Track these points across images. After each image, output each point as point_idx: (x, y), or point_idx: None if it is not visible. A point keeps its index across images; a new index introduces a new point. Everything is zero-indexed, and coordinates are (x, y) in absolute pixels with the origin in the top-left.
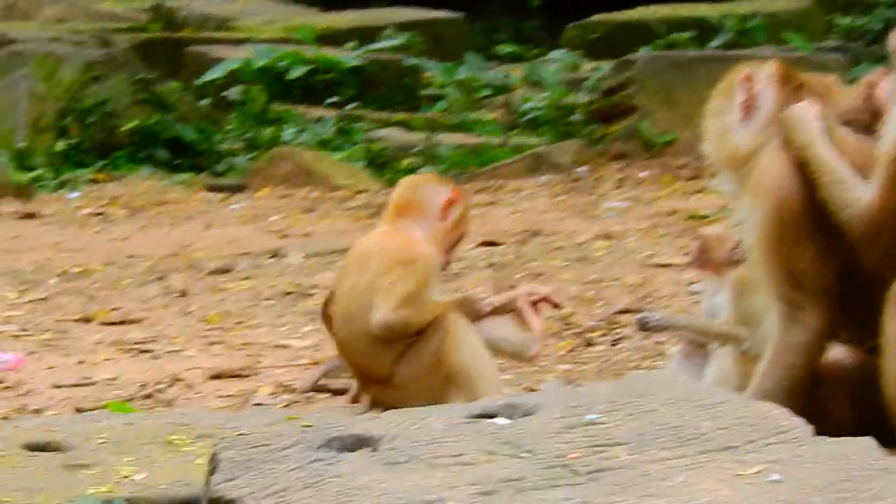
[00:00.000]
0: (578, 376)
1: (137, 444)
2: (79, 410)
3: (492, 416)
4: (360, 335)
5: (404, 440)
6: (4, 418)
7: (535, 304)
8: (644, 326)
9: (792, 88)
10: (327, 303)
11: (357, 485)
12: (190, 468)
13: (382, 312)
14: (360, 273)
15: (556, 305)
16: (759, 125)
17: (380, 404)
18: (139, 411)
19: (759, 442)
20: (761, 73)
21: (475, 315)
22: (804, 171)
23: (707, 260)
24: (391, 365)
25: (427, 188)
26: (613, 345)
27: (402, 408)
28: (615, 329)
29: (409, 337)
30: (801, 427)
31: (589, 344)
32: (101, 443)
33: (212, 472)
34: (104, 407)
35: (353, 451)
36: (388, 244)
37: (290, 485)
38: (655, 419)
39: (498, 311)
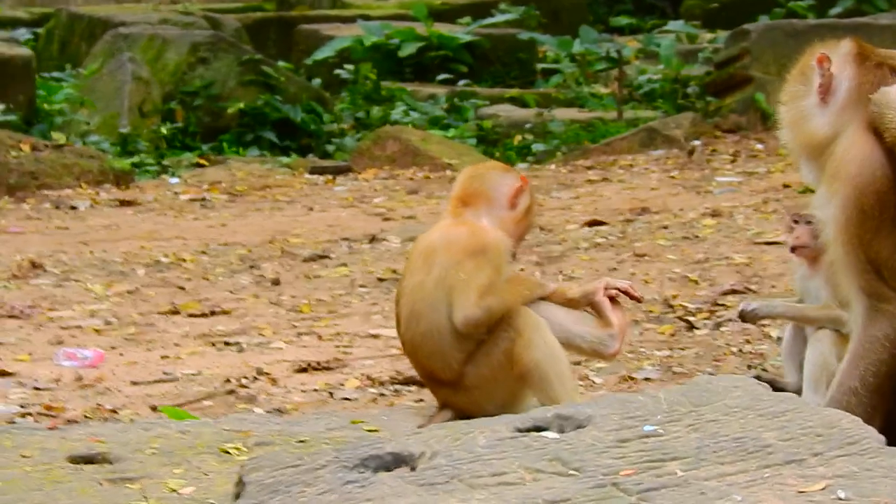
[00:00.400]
0: (677, 362)
1: (190, 455)
2: (155, 409)
3: (542, 429)
4: (428, 336)
5: (445, 458)
6: (73, 422)
7: (613, 298)
8: (743, 318)
9: (871, 66)
10: (397, 303)
11: None
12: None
13: (466, 308)
14: (425, 269)
15: (635, 299)
16: (837, 108)
17: (451, 407)
18: (196, 418)
19: (827, 454)
20: (837, 53)
21: (542, 294)
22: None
23: (802, 243)
24: (460, 366)
25: (494, 177)
26: (716, 328)
27: (473, 410)
28: (719, 311)
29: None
30: (872, 437)
31: (691, 327)
32: (152, 453)
33: (237, 496)
34: (162, 412)
35: (390, 471)
36: (455, 236)
37: None
38: (716, 430)
39: (575, 304)
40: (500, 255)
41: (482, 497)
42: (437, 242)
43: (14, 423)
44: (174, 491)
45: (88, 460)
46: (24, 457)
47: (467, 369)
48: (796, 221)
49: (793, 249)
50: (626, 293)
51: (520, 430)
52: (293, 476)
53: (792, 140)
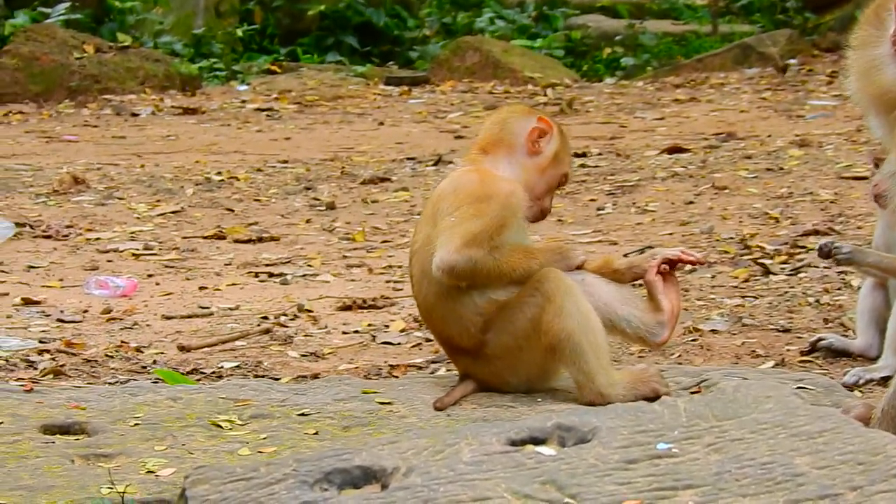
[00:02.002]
0: (748, 312)
1: (177, 428)
2: (183, 349)
3: (539, 442)
4: (440, 297)
5: (421, 475)
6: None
7: (668, 274)
8: (826, 254)
9: None
10: (409, 261)
11: None
12: (229, 461)
13: (444, 252)
14: (432, 222)
15: (694, 263)
16: None
17: (472, 377)
18: (191, 382)
19: (867, 489)
20: None
21: (566, 269)
22: None
23: (884, 192)
24: (479, 333)
25: (513, 120)
26: (794, 274)
27: (495, 383)
28: (798, 255)
29: (481, 287)
30: None
31: (767, 272)
32: (135, 424)
33: None
34: (155, 373)
35: (357, 488)
36: (462, 182)
37: None
38: (741, 452)
39: (621, 277)
40: (505, 207)
41: None
42: (445, 190)
43: None
44: (151, 472)
45: (64, 430)
46: None
47: (488, 337)
48: (877, 166)
49: (875, 198)
50: (681, 261)
51: (513, 443)
52: (244, 492)
53: (860, 91)
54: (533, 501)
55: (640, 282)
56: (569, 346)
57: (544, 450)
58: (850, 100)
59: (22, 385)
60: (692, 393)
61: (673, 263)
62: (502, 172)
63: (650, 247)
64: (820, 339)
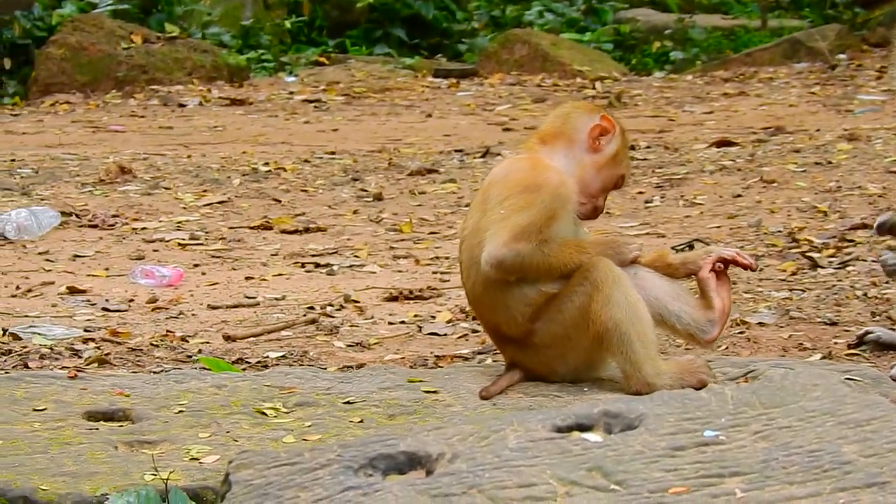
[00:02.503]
0: (796, 305)
1: (221, 415)
2: (228, 338)
3: (585, 429)
4: (489, 285)
5: (466, 461)
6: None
7: (721, 273)
8: (888, 229)
9: None
10: (460, 248)
11: None
12: (274, 448)
13: (493, 245)
14: (482, 209)
15: (747, 267)
16: None
17: (519, 367)
18: (236, 370)
19: None
20: None
21: (620, 264)
22: None
23: None
24: (527, 322)
25: (577, 115)
26: (841, 267)
27: (543, 372)
28: (846, 248)
29: (531, 282)
30: None
31: (815, 266)
32: (179, 411)
33: (222, 497)
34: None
35: (402, 473)
36: (514, 169)
37: None
38: (788, 440)
39: (674, 272)
40: (555, 198)
41: None
42: (496, 176)
43: (30, 369)
44: (195, 459)
45: (108, 417)
46: (36, 411)
47: (537, 326)
48: None
49: None
50: (735, 263)
51: (559, 430)
52: (287, 477)
53: None
54: (579, 488)
55: (691, 278)
56: (616, 335)
57: (590, 436)
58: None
59: (66, 372)
60: (739, 383)
61: (727, 263)
62: (557, 164)
63: (698, 240)
64: (867, 333)
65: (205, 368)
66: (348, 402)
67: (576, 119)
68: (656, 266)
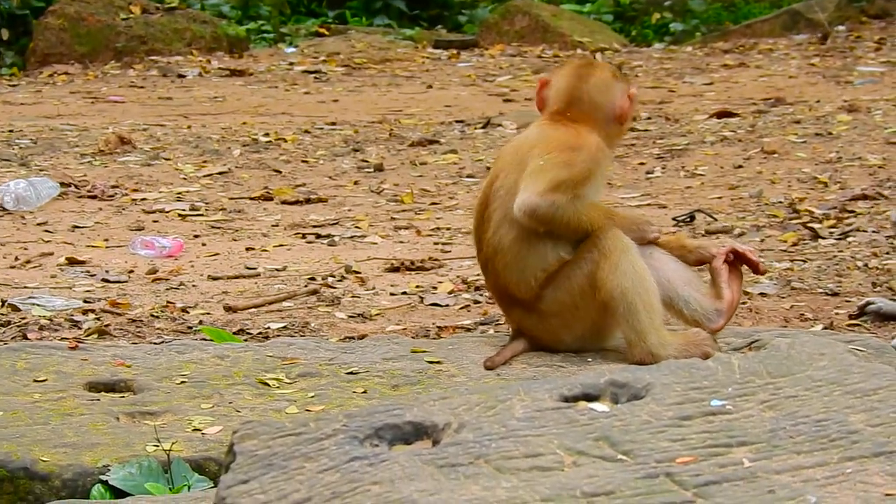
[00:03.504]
0: (797, 276)
1: (224, 386)
2: (229, 309)
3: (592, 398)
4: (515, 242)
5: (473, 431)
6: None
7: (734, 264)
8: None
9: None
10: (485, 206)
11: (396, 498)
12: (277, 419)
13: (528, 192)
14: (519, 168)
15: (757, 271)
16: None
17: (525, 334)
18: (238, 340)
19: None
20: None
21: (638, 241)
22: None
23: None
24: (538, 286)
25: (610, 85)
26: (842, 238)
27: (548, 340)
28: (847, 219)
29: (557, 237)
30: None
31: (816, 236)
32: (181, 382)
33: (227, 467)
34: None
35: (408, 443)
36: (553, 133)
37: (315, 494)
38: (795, 409)
39: (687, 254)
40: (594, 160)
41: (509, 486)
42: (533, 139)
43: (30, 340)
44: (198, 430)
45: (109, 388)
46: (36, 381)
47: (546, 292)
48: None
49: None
50: (746, 259)
51: (566, 400)
52: (293, 447)
53: None
54: (586, 458)
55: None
56: (622, 303)
57: (597, 406)
58: None
59: (66, 343)
60: (744, 353)
61: (739, 257)
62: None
63: (700, 210)
64: (868, 303)
65: (206, 339)
66: (351, 373)
67: (609, 89)
68: (671, 247)
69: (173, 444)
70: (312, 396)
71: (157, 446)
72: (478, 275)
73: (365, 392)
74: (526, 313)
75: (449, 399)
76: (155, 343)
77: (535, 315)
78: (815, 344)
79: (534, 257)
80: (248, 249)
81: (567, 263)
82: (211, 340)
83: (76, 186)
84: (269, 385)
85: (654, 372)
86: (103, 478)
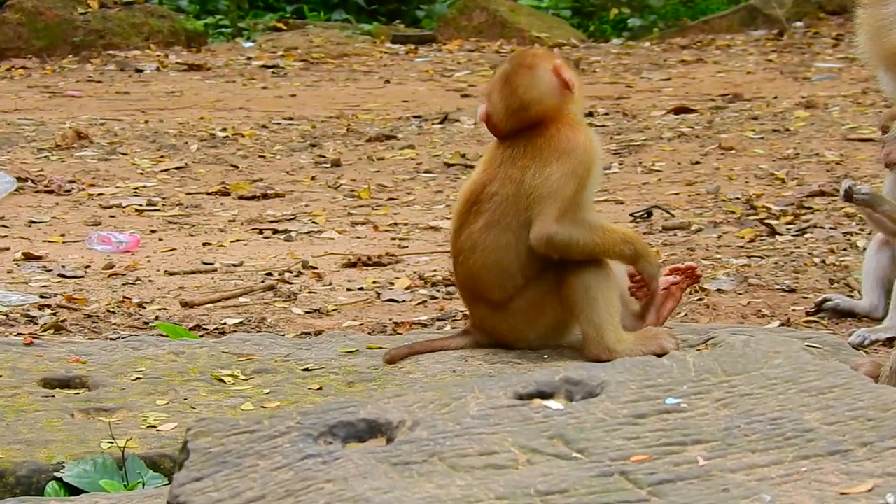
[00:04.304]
0: (754, 272)
1: (179, 382)
2: (186, 305)
3: (546, 396)
4: (497, 246)
5: (427, 429)
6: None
7: (675, 288)
8: (849, 197)
9: None
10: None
11: (350, 496)
12: (232, 416)
13: (544, 223)
14: (511, 181)
15: (695, 278)
16: None
17: (484, 331)
18: (194, 336)
19: (877, 445)
20: None
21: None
22: None
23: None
24: (513, 288)
25: (535, 77)
26: (799, 234)
27: (511, 338)
28: (804, 215)
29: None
30: None
31: (773, 233)
32: (137, 378)
33: (180, 465)
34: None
35: (362, 441)
36: (539, 141)
37: (269, 492)
38: (750, 407)
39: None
40: (588, 151)
41: (463, 484)
42: (525, 154)
43: None
44: (152, 427)
45: (64, 384)
46: None
47: (517, 292)
48: (885, 132)
49: (886, 164)
50: (689, 274)
51: (521, 397)
52: (246, 445)
53: (870, 50)
54: (540, 456)
55: None
56: (585, 298)
57: (552, 404)
58: (859, 59)
59: (22, 338)
60: (699, 350)
61: (685, 273)
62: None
63: (657, 206)
64: (825, 300)
65: (162, 335)
66: (307, 369)
67: (537, 81)
68: None
69: (128, 440)
70: (268, 393)
71: (112, 443)
72: (435, 270)
73: (320, 389)
74: (491, 311)
75: (403, 396)
76: (110, 339)
77: (500, 313)
78: (771, 342)
79: (516, 265)
80: (204, 244)
81: (540, 271)
82: (166, 336)
83: (33, 181)
84: (224, 381)
85: (608, 369)
86: (58, 475)
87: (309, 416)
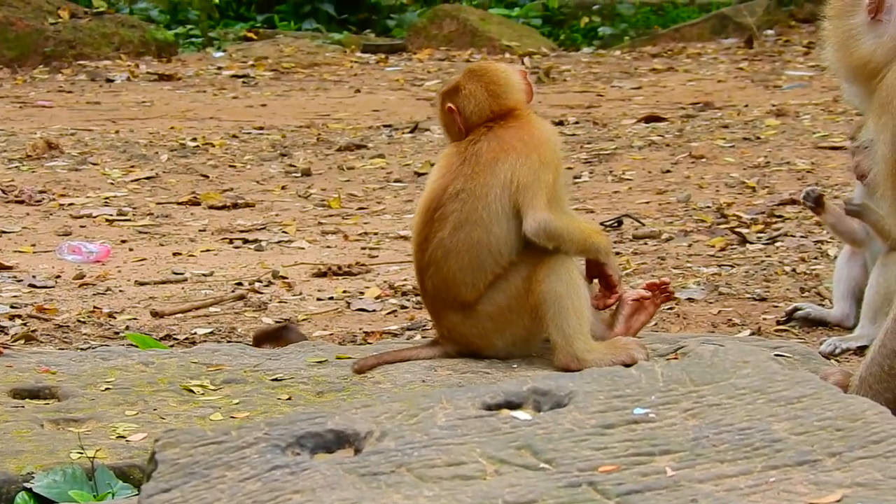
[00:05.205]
0: (725, 281)
1: (148, 392)
2: (156, 315)
3: (514, 406)
4: (475, 245)
5: (395, 440)
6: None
7: (647, 301)
8: (814, 200)
9: None
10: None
11: None
12: (201, 426)
13: (536, 211)
14: (485, 171)
15: (669, 296)
16: (891, 30)
17: (453, 340)
18: (164, 347)
19: (846, 455)
20: None
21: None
22: None
23: (865, 173)
24: (484, 287)
25: (508, 72)
26: (770, 243)
27: (480, 345)
28: (775, 224)
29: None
30: None
31: (744, 241)
32: (106, 389)
33: (148, 476)
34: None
35: (330, 451)
36: (505, 134)
37: (236, 502)
38: (718, 417)
39: (601, 271)
40: (555, 143)
41: (431, 494)
42: (490, 145)
43: None
44: (122, 437)
45: (33, 395)
46: None
47: (488, 292)
48: (855, 142)
49: (857, 176)
50: (661, 289)
51: (488, 408)
52: (214, 456)
53: (837, 61)
54: (508, 466)
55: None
56: (554, 306)
57: (520, 414)
58: (827, 70)
59: None
60: (669, 359)
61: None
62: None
63: (627, 215)
64: (796, 309)
65: (132, 345)
66: (276, 380)
67: (511, 69)
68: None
69: (97, 451)
70: (237, 403)
71: (82, 454)
72: (405, 280)
73: (289, 399)
74: (462, 317)
75: (371, 407)
76: (80, 349)
77: (470, 319)
78: (739, 351)
79: (490, 260)
80: (175, 254)
81: (509, 266)
82: (136, 347)
83: (3, 191)
84: (193, 392)
85: (576, 380)
86: (27, 485)
87: (277, 426)
